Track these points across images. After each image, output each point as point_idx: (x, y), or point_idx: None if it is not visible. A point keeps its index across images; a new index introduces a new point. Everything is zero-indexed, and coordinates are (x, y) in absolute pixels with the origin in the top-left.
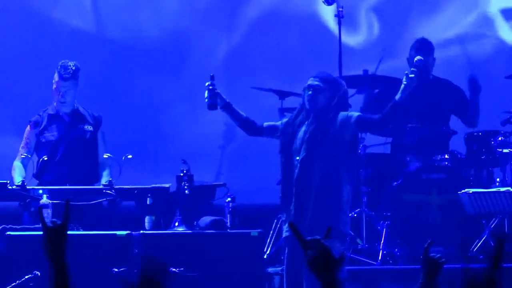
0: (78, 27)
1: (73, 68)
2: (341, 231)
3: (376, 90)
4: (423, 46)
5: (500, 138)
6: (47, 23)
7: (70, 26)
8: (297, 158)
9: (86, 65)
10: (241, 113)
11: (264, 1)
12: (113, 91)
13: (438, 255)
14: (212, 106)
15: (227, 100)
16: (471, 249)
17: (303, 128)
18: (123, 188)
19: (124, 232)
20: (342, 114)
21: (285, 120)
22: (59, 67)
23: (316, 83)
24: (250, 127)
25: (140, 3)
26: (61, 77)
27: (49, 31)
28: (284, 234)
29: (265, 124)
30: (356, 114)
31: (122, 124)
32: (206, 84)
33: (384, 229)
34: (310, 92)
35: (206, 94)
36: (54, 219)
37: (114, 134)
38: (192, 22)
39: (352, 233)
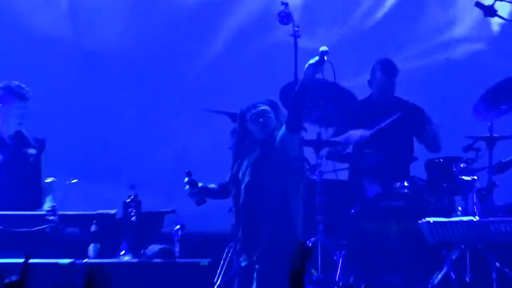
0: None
1: (27, 89)
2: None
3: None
4: (388, 68)
5: (462, 165)
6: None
7: None
8: (243, 185)
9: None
10: (214, 186)
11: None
12: (58, 111)
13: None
14: (200, 202)
15: (203, 186)
16: (431, 281)
17: (248, 156)
18: (67, 214)
19: (68, 261)
20: (280, 131)
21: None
22: (14, 88)
23: (267, 108)
24: (226, 191)
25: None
26: (21, 97)
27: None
28: (242, 263)
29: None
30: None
31: (68, 146)
32: (185, 180)
33: (341, 259)
34: (261, 120)
35: (188, 190)
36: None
37: (59, 156)
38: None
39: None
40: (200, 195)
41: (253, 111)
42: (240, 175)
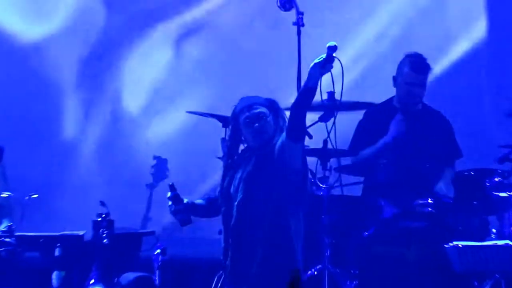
0: None
1: None
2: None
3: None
4: (418, 62)
5: (496, 179)
6: None
7: None
8: (235, 203)
9: None
10: (202, 202)
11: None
12: (16, 116)
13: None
14: (185, 222)
15: (189, 202)
16: None
17: (242, 167)
18: (25, 235)
19: None
20: (279, 138)
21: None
22: None
23: (264, 110)
24: (216, 208)
25: None
26: None
27: None
28: None
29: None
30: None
31: (27, 155)
32: (168, 195)
33: None
34: (257, 125)
35: (171, 207)
36: None
37: (17, 167)
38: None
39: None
40: (185, 213)
41: (248, 113)
42: (232, 190)
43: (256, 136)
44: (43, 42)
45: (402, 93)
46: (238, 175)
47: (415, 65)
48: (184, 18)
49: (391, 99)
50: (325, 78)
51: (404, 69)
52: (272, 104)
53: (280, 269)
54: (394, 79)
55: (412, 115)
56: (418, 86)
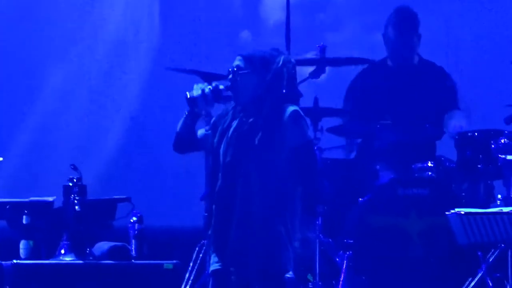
0: None
1: None
2: (282, 270)
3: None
4: (403, 21)
5: (503, 141)
6: None
7: None
8: (222, 164)
9: None
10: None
11: None
12: None
13: None
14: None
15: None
16: None
17: (234, 125)
18: None
19: None
20: (290, 109)
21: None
22: None
23: (238, 63)
24: (191, 141)
25: None
26: None
27: None
28: (212, 267)
29: (199, 132)
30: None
31: None
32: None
33: (345, 262)
34: (230, 77)
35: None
36: None
37: None
38: None
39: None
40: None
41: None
42: (222, 148)
43: (232, 91)
44: None
45: (392, 47)
46: (229, 133)
47: (401, 14)
48: None
49: (385, 58)
50: (317, 31)
51: (390, 21)
52: (261, 62)
53: (261, 235)
54: (384, 35)
55: (407, 71)
56: (407, 36)
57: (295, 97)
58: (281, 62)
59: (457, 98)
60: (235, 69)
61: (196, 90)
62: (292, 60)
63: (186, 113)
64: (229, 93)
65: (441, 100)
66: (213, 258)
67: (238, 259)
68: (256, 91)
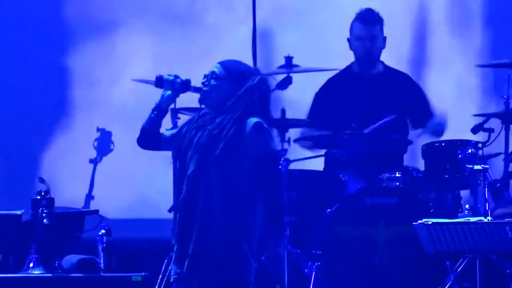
0: None
1: None
2: (243, 281)
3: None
4: (366, 15)
5: (470, 150)
6: None
7: None
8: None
9: None
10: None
11: None
12: None
13: None
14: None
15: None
16: None
17: (199, 134)
18: None
19: None
20: (253, 121)
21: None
22: None
23: (215, 69)
24: (156, 137)
25: None
26: None
27: None
28: (172, 278)
29: (165, 133)
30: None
31: None
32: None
33: (314, 273)
34: (204, 80)
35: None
36: None
37: None
38: None
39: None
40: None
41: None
42: (187, 157)
43: (201, 93)
44: None
45: (356, 51)
46: (193, 142)
47: (362, 16)
48: None
49: (350, 65)
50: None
51: (353, 24)
52: (238, 74)
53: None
54: (349, 40)
55: (372, 78)
56: (369, 39)
57: (264, 117)
58: (256, 81)
59: (430, 105)
60: (211, 74)
61: (169, 75)
62: (268, 83)
63: (153, 107)
64: (199, 93)
65: (412, 109)
66: (174, 269)
67: (197, 271)
68: (224, 100)
